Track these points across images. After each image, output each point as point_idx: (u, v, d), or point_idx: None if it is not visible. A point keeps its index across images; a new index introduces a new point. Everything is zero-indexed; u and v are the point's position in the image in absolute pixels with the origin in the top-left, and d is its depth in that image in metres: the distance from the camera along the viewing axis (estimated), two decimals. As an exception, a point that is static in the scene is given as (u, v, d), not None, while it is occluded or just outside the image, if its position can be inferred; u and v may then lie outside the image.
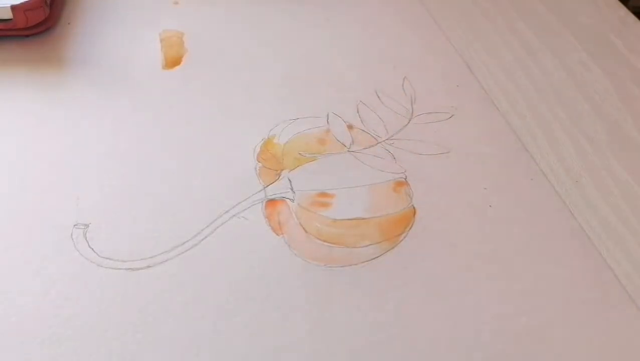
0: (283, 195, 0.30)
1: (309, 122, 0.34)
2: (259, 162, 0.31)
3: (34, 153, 0.31)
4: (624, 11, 0.45)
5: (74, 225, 0.28)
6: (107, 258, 0.26)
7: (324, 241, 0.28)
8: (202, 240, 0.27)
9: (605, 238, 0.29)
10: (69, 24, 0.39)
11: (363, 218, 0.29)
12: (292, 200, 0.29)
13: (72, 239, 0.27)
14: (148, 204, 0.29)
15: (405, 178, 0.31)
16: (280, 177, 0.31)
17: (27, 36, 0.37)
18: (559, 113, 0.36)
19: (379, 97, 0.36)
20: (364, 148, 0.33)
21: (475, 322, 0.25)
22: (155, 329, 0.24)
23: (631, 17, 0.45)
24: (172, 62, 0.37)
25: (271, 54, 0.39)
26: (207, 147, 0.32)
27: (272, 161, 0.31)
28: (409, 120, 0.35)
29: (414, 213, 0.29)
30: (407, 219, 0.29)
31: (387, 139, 0.33)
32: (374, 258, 0.27)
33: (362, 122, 0.34)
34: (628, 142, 0.34)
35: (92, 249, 0.27)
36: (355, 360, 0.24)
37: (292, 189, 0.30)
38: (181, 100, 0.35)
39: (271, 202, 0.29)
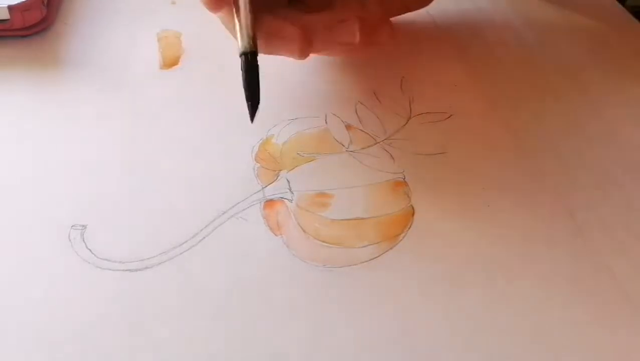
0: (281, 195, 0.30)
1: (307, 122, 0.34)
2: (257, 162, 0.31)
3: (31, 153, 0.31)
4: (622, 11, 0.45)
5: (72, 226, 0.27)
6: (104, 260, 0.26)
7: (323, 241, 0.28)
8: (200, 240, 0.27)
9: (604, 239, 0.29)
10: (66, 24, 0.39)
11: (362, 219, 0.29)
12: (291, 201, 0.29)
13: (70, 240, 0.27)
14: (146, 205, 0.29)
15: (404, 178, 0.31)
16: (279, 177, 0.30)
17: (24, 36, 0.37)
18: (558, 113, 0.36)
19: (377, 97, 0.36)
20: (363, 148, 0.32)
21: (475, 322, 0.25)
22: (153, 330, 0.24)
23: (630, 17, 0.45)
24: (170, 62, 0.37)
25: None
26: (204, 147, 0.32)
27: (270, 161, 0.31)
28: (408, 120, 0.35)
29: (413, 213, 0.29)
30: (406, 219, 0.29)
31: (385, 139, 0.33)
32: (373, 259, 0.27)
33: (360, 122, 0.34)
34: (628, 142, 0.34)
35: (90, 250, 0.27)
36: (355, 360, 0.24)
37: (290, 189, 0.30)
38: (179, 100, 0.35)
39: (269, 202, 0.29)
